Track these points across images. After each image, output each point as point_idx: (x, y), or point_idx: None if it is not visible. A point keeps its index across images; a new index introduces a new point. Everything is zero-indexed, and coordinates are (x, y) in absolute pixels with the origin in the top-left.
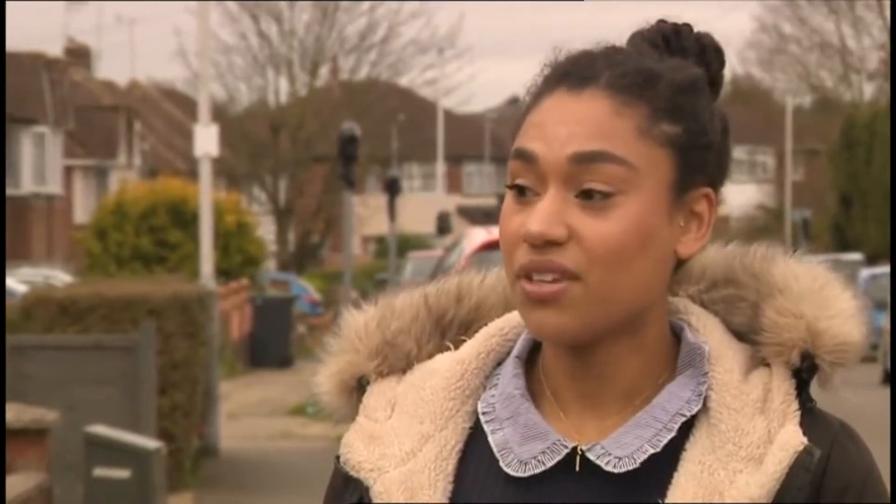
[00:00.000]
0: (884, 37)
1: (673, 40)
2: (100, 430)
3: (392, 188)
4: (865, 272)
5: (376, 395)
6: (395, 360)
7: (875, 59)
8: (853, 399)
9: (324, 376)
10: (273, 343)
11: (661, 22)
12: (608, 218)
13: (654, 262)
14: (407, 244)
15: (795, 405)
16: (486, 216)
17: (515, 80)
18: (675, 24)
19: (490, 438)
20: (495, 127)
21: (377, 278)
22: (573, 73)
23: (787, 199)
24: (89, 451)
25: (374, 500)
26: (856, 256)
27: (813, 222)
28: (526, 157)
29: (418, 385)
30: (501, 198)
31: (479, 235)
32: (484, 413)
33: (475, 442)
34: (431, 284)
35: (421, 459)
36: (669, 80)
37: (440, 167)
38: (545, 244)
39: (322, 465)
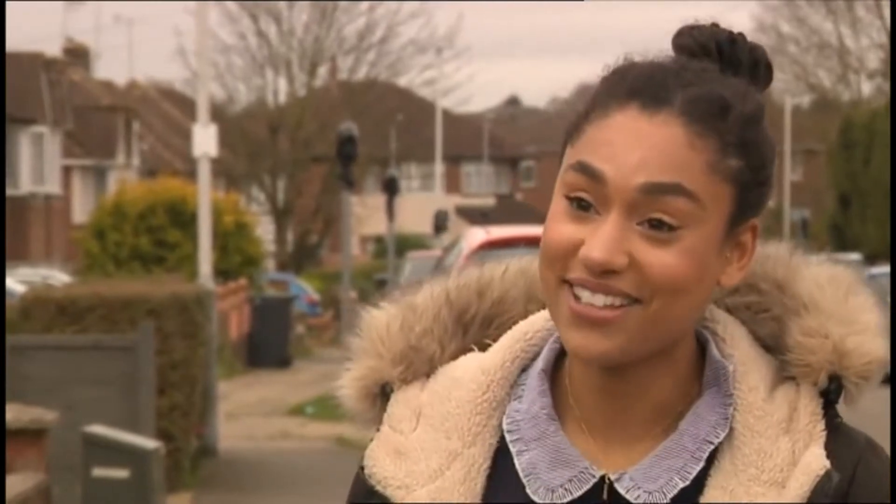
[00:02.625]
0: (882, 37)
1: (727, 50)
2: (98, 430)
3: (391, 188)
4: (864, 273)
5: (401, 404)
6: (419, 364)
7: (874, 58)
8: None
9: (346, 380)
10: (272, 343)
11: (715, 26)
12: (671, 250)
13: (704, 294)
14: (405, 244)
15: (821, 426)
16: (484, 216)
17: (514, 80)
18: (731, 33)
19: (516, 461)
20: (494, 127)
21: (376, 278)
22: (645, 91)
23: (786, 199)
24: (88, 451)
25: None
26: (854, 256)
27: (811, 222)
28: (593, 176)
29: (443, 395)
30: (500, 198)
31: (477, 235)
32: (510, 432)
33: (502, 459)
34: (451, 279)
35: (449, 478)
36: (739, 112)
37: (438, 167)
38: (603, 272)
39: (321, 465)
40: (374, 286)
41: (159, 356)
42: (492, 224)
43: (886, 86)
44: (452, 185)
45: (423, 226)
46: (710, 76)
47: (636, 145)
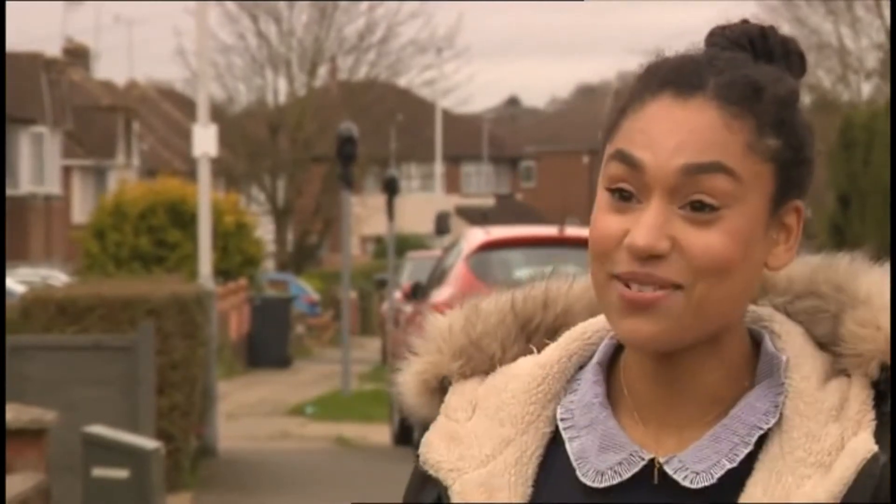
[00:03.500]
0: (882, 37)
1: (759, 43)
2: (98, 430)
3: (390, 188)
4: None
5: (458, 395)
6: (479, 361)
7: (873, 58)
8: None
9: (407, 375)
10: (271, 343)
11: (745, 22)
12: (713, 231)
13: (751, 275)
14: (405, 244)
15: (872, 415)
16: (484, 216)
17: (514, 80)
18: (762, 27)
19: (568, 446)
20: (493, 127)
21: (376, 278)
22: (678, 79)
23: None
24: (88, 452)
25: (453, 500)
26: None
27: (811, 222)
28: (632, 164)
29: (500, 388)
30: (500, 198)
31: (477, 236)
32: (563, 419)
33: (555, 448)
34: (518, 290)
35: (501, 462)
36: (773, 92)
37: (438, 167)
38: (648, 258)
39: (320, 465)
40: (374, 286)
41: (159, 356)
42: (491, 224)
43: (885, 86)
44: (452, 185)
45: (423, 226)
46: (743, 63)
47: (673, 130)
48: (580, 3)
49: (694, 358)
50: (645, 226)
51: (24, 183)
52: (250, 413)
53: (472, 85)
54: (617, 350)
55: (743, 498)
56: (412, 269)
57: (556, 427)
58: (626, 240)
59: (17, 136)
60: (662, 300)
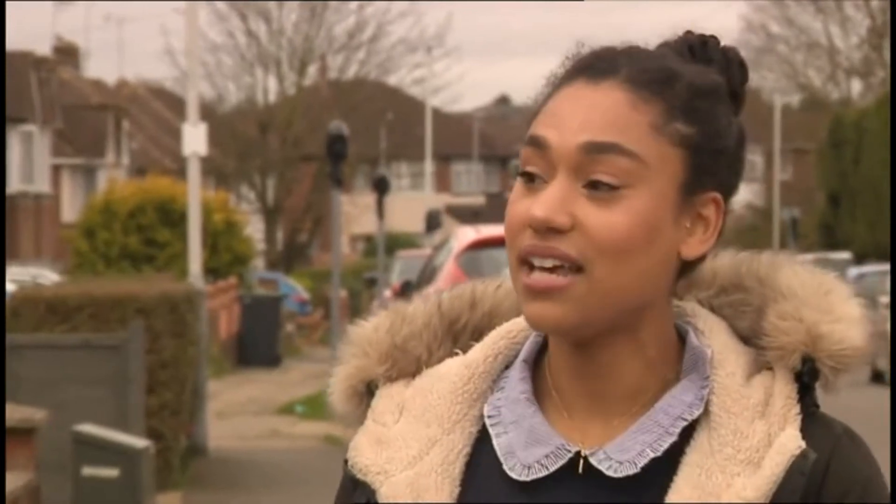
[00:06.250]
0: (873, 36)
1: (698, 50)
2: (88, 429)
3: (380, 187)
4: (853, 271)
5: (385, 399)
6: (405, 364)
7: (861, 57)
8: (841, 398)
9: (334, 382)
10: (261, 342)
11: (689, 33)
12: (614, 210)
13: (657, 260)
14: (395, 243)
15: (797, 409)
16: (474, 215)
17: (504, 79)
18: (702, 35)
19: (495, 442)
20: (484, 126)
21: (365, 277)
22: (594, 65)
23: (776, 198)
24: (77, 451)
25: (381, 503)
26: (844, 255)
27: (801, 221)
28: (537, 144)
29: (426, 389)
30: (490, 197)
31: (467, 234)
32: (490, 417)
33: (482, 446)
34: (446, 291)
35: (427, 463)
36: (689, 81)
37: (429, 166)
38: (548, 230)
39: (310, 464)
40: (364, 285)
41: (149, 355)
42: (482, 223)
43: (870, 83)
44: (442, 183)
45: (413, 225)
46: (665, 56)
47: (578, 110)
48: (570, 2)
49: (612, 350)
50: (543, 198)
51: (13, 181)
52: (240, 412)
53: (462, 83)
54: (543, 347)
55: (671, 494)
56: (402, 268)
57: (484, 425)
58: (527, 213)
59: (7, 135)
60: (565, 285)
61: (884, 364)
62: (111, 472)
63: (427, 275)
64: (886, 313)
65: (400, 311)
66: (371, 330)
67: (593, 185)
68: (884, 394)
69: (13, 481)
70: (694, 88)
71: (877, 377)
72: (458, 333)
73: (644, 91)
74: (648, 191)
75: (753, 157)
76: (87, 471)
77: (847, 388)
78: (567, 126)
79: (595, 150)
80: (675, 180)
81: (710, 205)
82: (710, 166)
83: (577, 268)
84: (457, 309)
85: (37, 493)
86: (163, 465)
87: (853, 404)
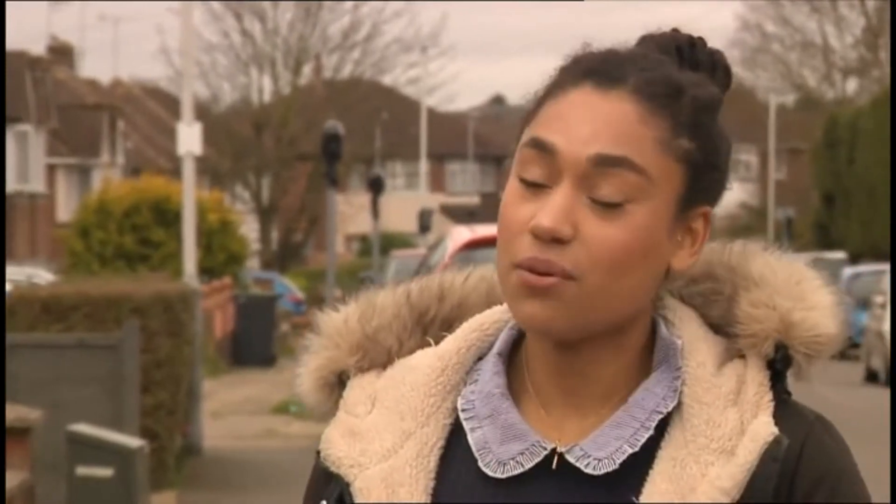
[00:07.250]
0: (867, 36)
1: (687, 52)
2: (83, 428)
3: (375, 187)
4: (848, 270)
5: (356, 389)
6: (376, 355)
7: (856, 57)
8: (835, 397)
9: (304, 373)
10: (256, 342)
11: (675, 31)
12: (616, 224)
13: (651, 273)
14: (390, 243)
15: (769, 396)
16: (469, 215)
17: (499, 79)
18: (690, 36)
19: (469, 437)
20: (479, 125)
21: (361, 276)
22: (601, 70)
23: (771, 197)
24: (72, 450)
25: (355, 497)
26: (838, 255)
27: (796, 221)
28: (544, 149)
29: (398, 380)
30: (485, 197)
31: (462, 234)
32: (464, 410)
33: (456, 439)
34: (414, 282)
35: (402, 456)
36: (693, 95)
37: (423, 166)
38: (551, 240)
39: (305, 463)
40: (359, 285)
41: (144, 355)
42: (477, 223)
43: (865, 83)
44: (437, 183)
45: (408, 224)
46: (667, 64)
47: (588, 119)
48: (566, 2)
49: (595, 350)
50: (551, 207)
51: (8, 181)
52: (235, 411)
53: (457, 83)
54: (517, 341)
55: (648, 487)
56: (397, 268)
57: (457, 418)
58: (532, 221)
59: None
60: (557, 286)
61: (878, 364)
62: (106, 472)
63: (422, 275)
64: (882, 313)
65: (369, 301)
66: (341, 321)
67: (599, 198)
68: (879, 393)
69: (8, 481)
70: (698, 103)
71: (871, 377)
72: (428, 325)
73: (652, 104)
74: (650, 206)
75: (748, 157)
76: (82, 470)
77: (842, 389)
78: (575, 134)
79: (605, 163)
80: (674, 196)
81: (699, 219)
82: (706, 182)
83: (570, 276)
84: (426, 300)
85: (32, 493)
86: (157, 465)
87: (849, 404)
